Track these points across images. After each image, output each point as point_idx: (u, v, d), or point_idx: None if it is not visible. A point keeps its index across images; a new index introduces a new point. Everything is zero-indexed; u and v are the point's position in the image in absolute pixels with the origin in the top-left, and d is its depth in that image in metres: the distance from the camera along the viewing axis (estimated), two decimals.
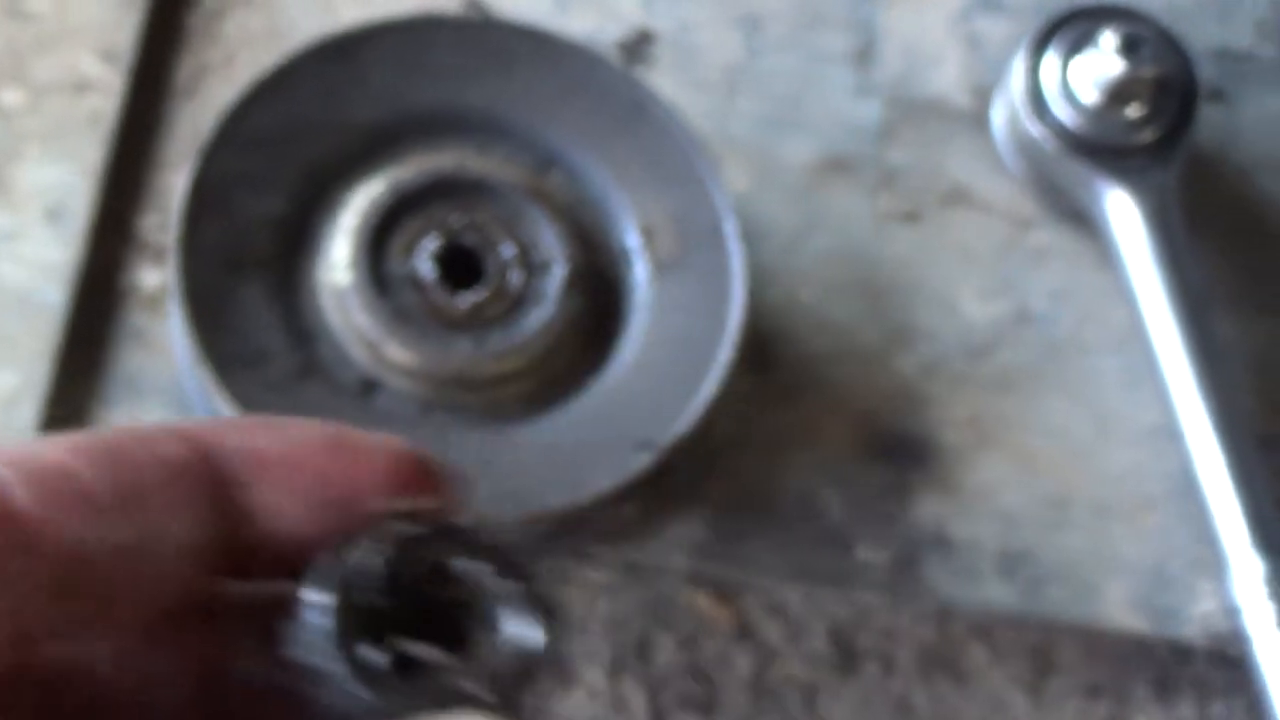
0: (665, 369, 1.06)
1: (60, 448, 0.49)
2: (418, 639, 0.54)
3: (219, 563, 0.51)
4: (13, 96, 1.12)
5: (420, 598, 0.55)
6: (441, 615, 0.56)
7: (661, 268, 1.08)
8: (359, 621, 0.53)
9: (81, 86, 1.13)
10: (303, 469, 0.52)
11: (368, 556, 0.53)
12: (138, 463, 0.49)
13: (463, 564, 0.55)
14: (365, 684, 0.53)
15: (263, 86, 1.07)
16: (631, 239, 1.09)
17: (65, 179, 1.11)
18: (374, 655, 0.52)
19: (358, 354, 1.04)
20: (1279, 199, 1.25)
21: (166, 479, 0.49)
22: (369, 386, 1.04)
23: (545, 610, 0.56)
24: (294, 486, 0.52)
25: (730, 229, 1.07)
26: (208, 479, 0.50)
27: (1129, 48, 1.16)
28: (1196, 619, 1.13)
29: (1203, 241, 1.20)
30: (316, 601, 0.52)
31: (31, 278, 1.08)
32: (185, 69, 1.16)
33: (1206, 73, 1.26)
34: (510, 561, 0.57)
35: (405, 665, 0.53)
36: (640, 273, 1.08)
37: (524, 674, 0.55)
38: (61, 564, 0.48)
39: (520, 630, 0.56)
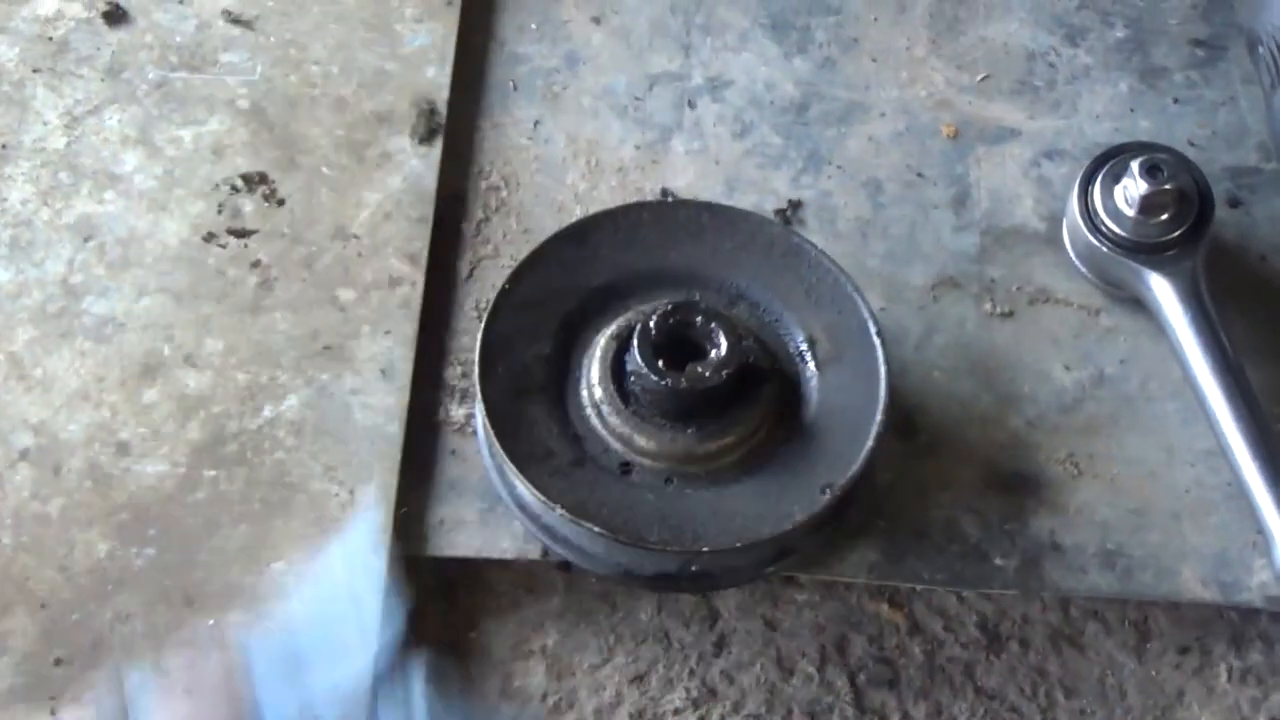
0: (837, 433, 1.31)
1: None
2: (677, 351, 1.29)
3: None
4: (347, 294, 1.43)
5: (677, 334, 1.29)
6: (688, 343, 1.30)
7: (824, 364, 1.34)
8: (651, 347, 1.28)
9: (394, 282, 1.44)
10: None
11: (649, 317, 1.29)
12: None
13: (693, 318, 1.29)
14: (654, 374, 1.22)
15: (524, 267, 1.36)
16: (800, 345, 1.36)
17: (390, 347, 1.41)
18: (654, 361, 1.28)
19: (614, 445, 1.31)
20: None
21: None
22: (625, 467, 1.31)
23: (735, 334, 1.29)
24: None
25: (874, 329, 1.34)
26: None
27: (1152, 172, 1.42)
28: (1255, 588, 1.37)
29: (1233, 311, 1.45)
30: (633, 337, 1.29)
31: (375, 419, 1.38)
32: (465, 262, 1.47)
33: (1224, 186, 1.54)
34: (719, 314, 1.25)
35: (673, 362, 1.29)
36: (810, 369, 1.35)
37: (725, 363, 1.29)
38: None
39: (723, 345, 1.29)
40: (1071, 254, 1.50)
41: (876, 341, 1.34)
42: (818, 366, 1.35)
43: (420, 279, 1.45)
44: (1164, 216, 1.44)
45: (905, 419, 1.43)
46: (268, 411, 1.39)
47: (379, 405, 1.40)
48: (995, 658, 1.41)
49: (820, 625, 1.41)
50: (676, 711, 1.37)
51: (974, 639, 1.42)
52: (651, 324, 1.30)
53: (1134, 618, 1.43)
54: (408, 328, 1.43)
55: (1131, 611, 1.43)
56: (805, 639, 1.41)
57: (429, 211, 1.48)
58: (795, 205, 1.53)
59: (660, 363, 1.28)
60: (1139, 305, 1.47)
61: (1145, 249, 1.44)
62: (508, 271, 1.36)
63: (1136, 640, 1.42)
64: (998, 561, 1.38)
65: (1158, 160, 1.43)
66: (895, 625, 1.42)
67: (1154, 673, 1.41)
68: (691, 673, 1.39)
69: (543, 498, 1.28)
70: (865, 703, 1.38)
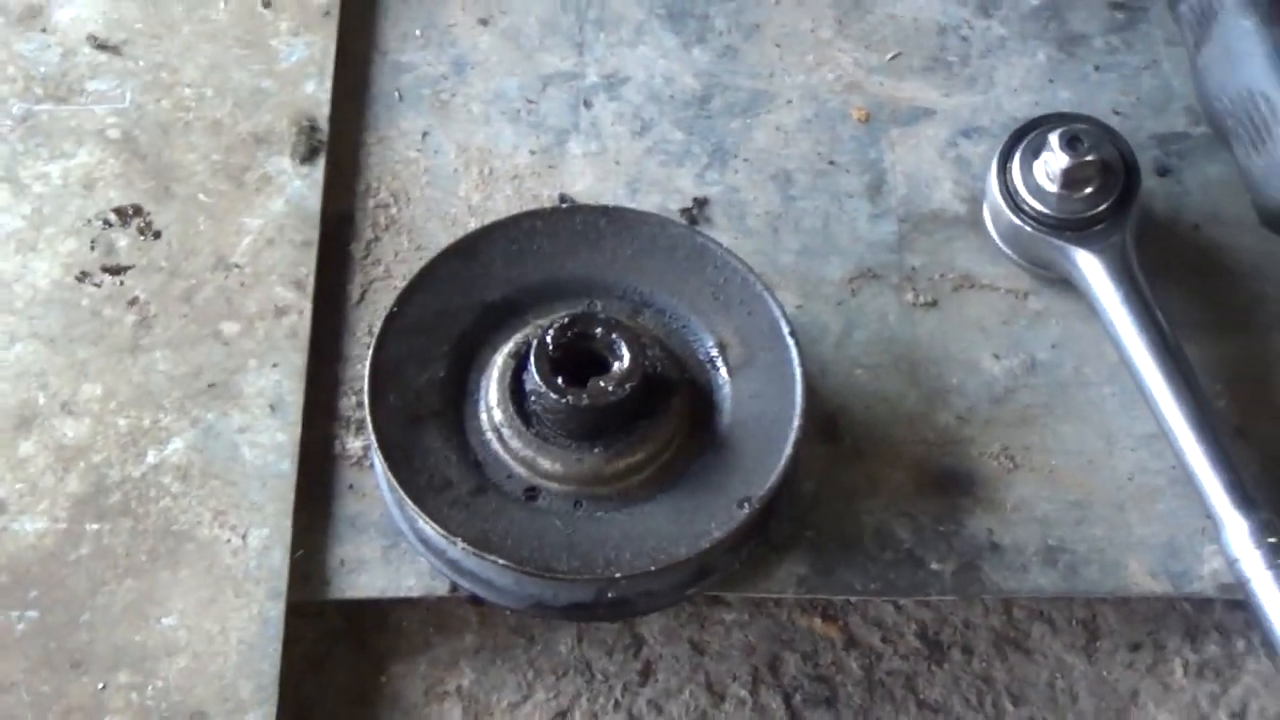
0: (753, 443, 1.25)
1: None
2: (578, 366, 1.23)
3: None
4: (230, 327, 1.36)
5: (576, 348, 1.23)
6: (589, 357, 1.23)
7: (736, 369, 1.28)
8: (549, 363, 1.22)
9: (280, 311, 1.37)
10: None
11: (545, 331, 1.23)
12: None
13: (593, 329, 1.23)
14: (554, 392, 1.21)
15: (412, 287, 1.29)
16: (710, 351, 1.29)
17: (279, 381, 1.34)
18: (553, 379, 1.22)
19: (518, 470, 1.25)
20: (1224, 245, 1.44)
21: None
22: (530, 493, 1.25)
23: (638, 344, 1.23)
24: None
25: (787, 328, 1.27)
26: None
27: (1072, 143, 1.36)
28: (1207, 576, 1.31)
29: (1169, 284, 1.40)
30: (530, 355, 1.23)
31: (265, 457, 1.31)
32: (355, 285, 1.40)
33: (1151, 154, 1.48)
34: (621, 324, 1.20)
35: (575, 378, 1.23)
36: (721, 376, 1.29)
37: (629, 376, 1.23)
38: None
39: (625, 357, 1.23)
40: (995, 236, 1.44)
41: (790, 342, 1.28)
42: (730, 373, 1.29)
43: (308, 306, 1.38)
44: (1088, 190, 1.38)
45: (828, 422, 1.37)
46: (151, 457, 1.32)
47: (269, 443, 1.33)
48: (937, 668, 1.35)
49: (751, 645, 1.35)
50: None
51: (914, 649, 1.35)
52: (548, 339, 1.24)
53: (1081, 616, 1.37)
54: (296, 359, 1.36)
55: (1078, 610, 1.37)
56: (735, 661, 1.34)
57: (314, 234, 1.41)
58: (701, 203, 1.46)
59: (560, 380, 1.23)
60: (1068, 286, 1.41)
61: (1070, 226, 1.38)
62: (398, 289, 1.31)
63: (1085, 640, 1.36)
64: (934, 566, 1.32)
65: (1077, 131, 1.38)
66: (830, 640, 1.35)
67: (1106, 673, 1.35)
68: (617, 704, 1.32)
69: (442, 531, 1.22)
70: None
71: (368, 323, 1.39)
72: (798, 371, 1.27)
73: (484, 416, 1.28)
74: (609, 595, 1.25)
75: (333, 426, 1.35)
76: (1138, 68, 1.54)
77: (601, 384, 1.22)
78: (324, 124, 1.46)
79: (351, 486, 1.33)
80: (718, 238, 1.35)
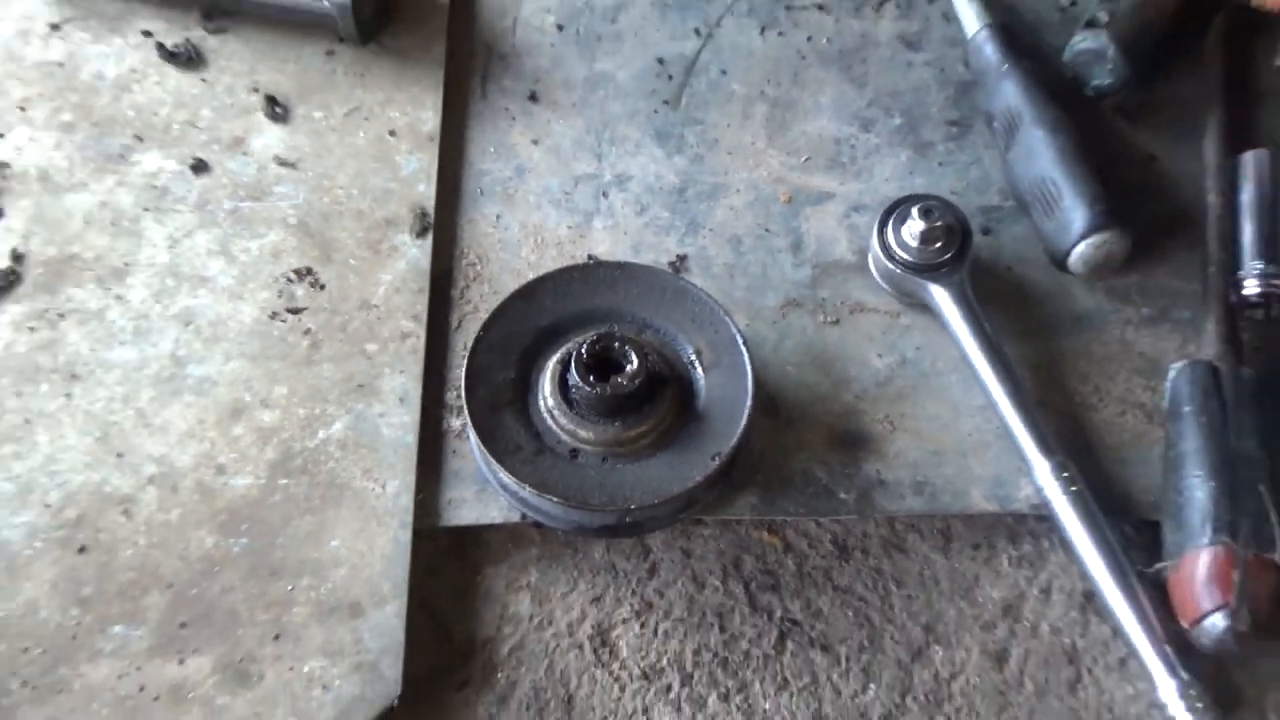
0: (720, 416, 1.21)
1: None
2: (604, 368, 1.18)
3: None
4: (372, 347, 1.31)
5: (602, 358, 1.18)
6: (610, 361, 1.18)
7: (708, 368, 1.24)
8: (584, 367, 1.17)
9: (405, 336, 1.32)
10: None
11: (580, 345, 1.18)
12: None
13: (613, 343, 1.18)
14: (587, 385, 1.12)
15: (492, 318, 1.25)
16: (691, 356, 1.25)
17: (404, 382, 1.30)
18: (587, 377, 1.14)
19: (564, 438, 1.21)
20: (1027, 280, 1.39)
21: None
22: (573, 453, 1.20)
23: (643, 353, 1.18)
24: None
25: (741, 341, 1.23)
26: None
27: (927, 214, 1.32)
28: (1023, 499, 1.27)
29: (992, 306, 1.35)
30: (571, 361, 1.19)
31: (397, 433, 1.27)
32: (454, 318, 1.35)
33: (978, 220, 1.43)
34: (631, 339, 1.13)
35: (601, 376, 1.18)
36: (699, 373, 1.24)
37: (637, 374, 1.17)
38: None
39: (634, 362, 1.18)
40: (876, 276, 1.39)
41: (744, 350, 1.24)
42: (704, 371, 1.24)
43: (423, 333, 1.33)
44: (938, 245, 1.33)
45: (769, 402, 1.32)
46: (321, 434, 1.27)
47: (399, 423, 1.28)
48: (845, 563, 1.30)
49: (721, 551, 1.30)
50: (624, 620, 1.26)
51: (830, 551, 1.30)
52: (583, 350, 1.19)
53: (940, 527, 1.32)
54: (416, 367, 1.31)
55: (938, 523, 1.32)
56: (711, 561, 1.29)
57: (426, 284, 1.36)
58: (682, 258, 1.41)
59: (591, 377, 1.18)
60: (926, 309, 1.36)
61: (927, 269, 1.34)
62: (481, 323, 1.25)
63: (943, 543, 1.31)
64: (842, 496, 1.27)
65: (930, 205, 1.33)
66: (774, 546, 1.30)
67: (957, 565, 1.30)
68: (633, 592, 1.27)
69: (515, 480, 1.18)
70: (757, 603, 1.27)
71: (463, 342, 1.33)
72: (748, 369, 1.23)
73: (541, 403, 1.23)
74: (627, 520, 1.21)
75: (441, 412, 1.30)
76: (967, 163, 1.48)
77: (619, 380, 1.18)
78: (431, 211, 1.40)
79: (454, 451, 1.28)
80: (693, 281, 1.30)
